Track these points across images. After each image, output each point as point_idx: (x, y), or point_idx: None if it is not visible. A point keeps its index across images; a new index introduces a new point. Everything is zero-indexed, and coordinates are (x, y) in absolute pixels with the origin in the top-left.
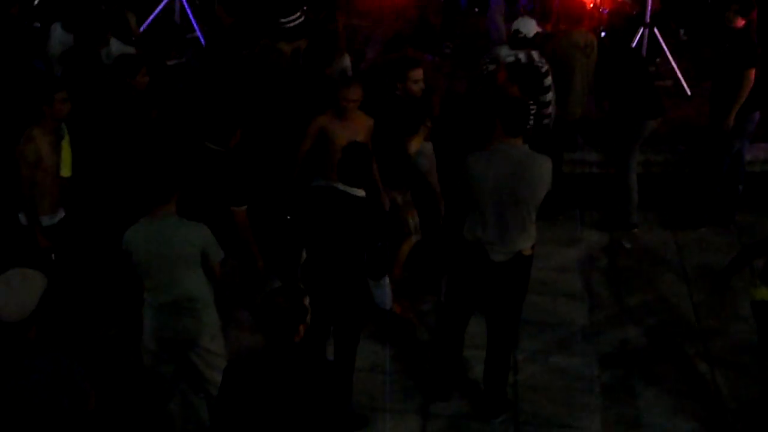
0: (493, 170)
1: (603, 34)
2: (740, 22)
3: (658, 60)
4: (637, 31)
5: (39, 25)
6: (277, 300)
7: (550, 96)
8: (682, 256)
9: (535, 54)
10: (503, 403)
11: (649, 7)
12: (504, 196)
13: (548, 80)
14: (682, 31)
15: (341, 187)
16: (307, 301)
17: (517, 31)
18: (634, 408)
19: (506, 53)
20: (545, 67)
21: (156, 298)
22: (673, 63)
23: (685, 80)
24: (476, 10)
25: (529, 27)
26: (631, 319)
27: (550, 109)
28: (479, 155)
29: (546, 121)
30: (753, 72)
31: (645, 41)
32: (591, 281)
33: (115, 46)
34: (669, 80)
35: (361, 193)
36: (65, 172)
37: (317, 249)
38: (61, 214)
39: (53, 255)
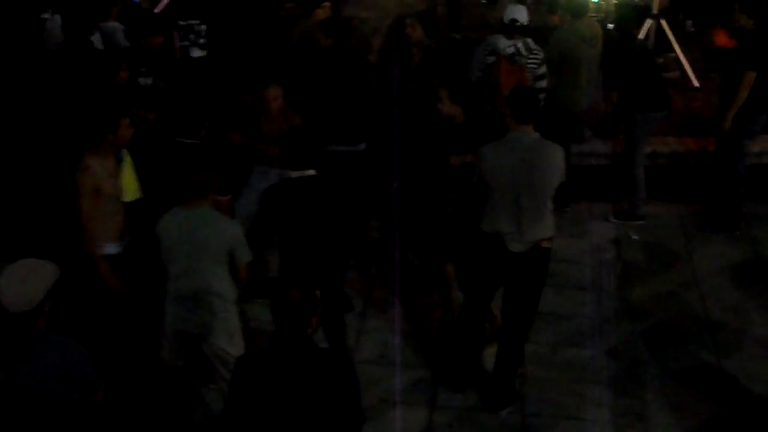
0: (507, 159)
1: (609, 25)
2: (747, 24)
3: (673, 54)
4: (644, 23)
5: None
6: (290, 292)
7: (543, 83)
8: (690, 248)
9: (530, 41)
10: (511, 394)
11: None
12: (519, 185)
13: (542, 69)
14: (689, 23)
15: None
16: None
17: (513, 20)
18: (641, 400)
19: (504, 44)
20: (541, 55)
21: (177, 286)
22: (681, 55)
23: (692, 72)
24: (483, 0)
25: (523, 14)
26: (638, 312)
27: (541, 96)
28: (493, 145)
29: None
30: (752, 76)
31: (652, 33)
32: (599, 273)
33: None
34: (676, 72)
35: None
36: (127, 197)
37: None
38: (126, 241)
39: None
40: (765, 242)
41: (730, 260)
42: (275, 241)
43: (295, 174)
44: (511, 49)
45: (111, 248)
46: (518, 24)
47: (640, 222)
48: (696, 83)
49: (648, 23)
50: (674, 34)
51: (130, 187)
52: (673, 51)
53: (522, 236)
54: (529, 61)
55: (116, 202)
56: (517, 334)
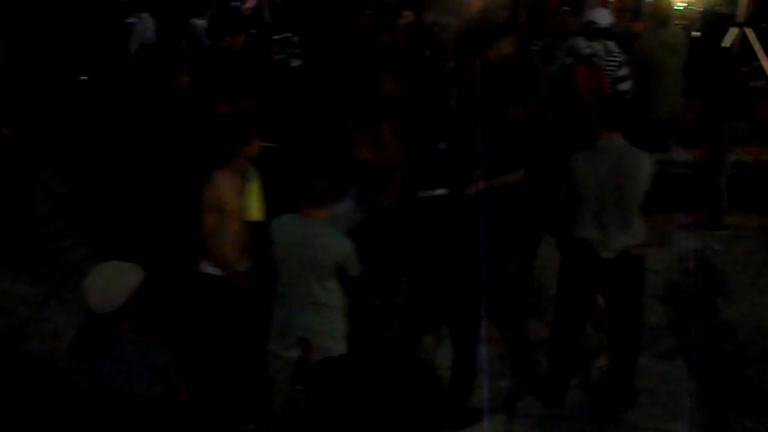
0: (596, 167)
1: (695, 33)
2: None
3: (758, 63)
4: (729, 31)
5: None
6: (371, 298)
7: (624, 86)
8: None
9: (611, 44)
10: (628, 401)
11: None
12: (607, 192)
13: (623, 71)
14: None
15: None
16: (400, 299)
17: (591, 22)
18: (727, 415)
19: (583, 45)
20: (621, 58)
21: (284, 292)
22: (766, 63)
23: None
24: (565, 8)
25: (603, 17)
26: (721, 324)
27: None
28: (581, 154)
29: None
30: None
31: (738, 41)
32: (682, 283)
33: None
34: (761, 80)
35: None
36: (253, 216)
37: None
38: (248, 263)
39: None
40: None
41: None
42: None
43: (424, 194)
44: (589, 50)
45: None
46: (597, 26)
47: (724, 232)
48: None
49: (733, 31)
50: (760, 42)
51: (255, 206)
52: (759, 60)
53: (610, 244)
54: (608, 63)
55: (240, 220)
56: (625, 346)
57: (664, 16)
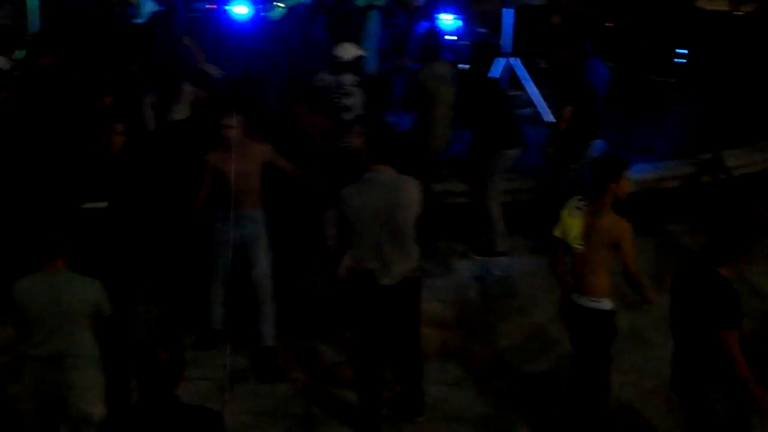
0: (367, 198)
1: (462, 65)
2: (567, 57)
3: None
4: (495, 62)
5: None
6: (158, 351)
7: (348, 116)
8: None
9: (348, 77)
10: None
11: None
12: (382, 222)
13: (351, 100)
14: (541, 60)
15: None
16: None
17: (335, 57)
18: None
19: (326, 78)
20: (353, 90)
21: (39, 350)
22: (533, 91)
23: (547, 107)
24: None
25: (346, 51)
26: (507, 345)
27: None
28: (352, 187)
29: None
30: (568, 110)
31: (506, 71)
32: (464, 310)
33: None
34: (530, 108)
35: None
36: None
37: None
38: None
39: None
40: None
41: None
42: None
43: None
44: (320, 83)
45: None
46: (340, 60)
47: (502, 257)
48: (550, 118)
49: (500, 61)
50: (527, 71)
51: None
52: (526, 88)
53: (391, 271)
54: (335, 94)
55: None
56: (413, 369)
57: (433, 50)
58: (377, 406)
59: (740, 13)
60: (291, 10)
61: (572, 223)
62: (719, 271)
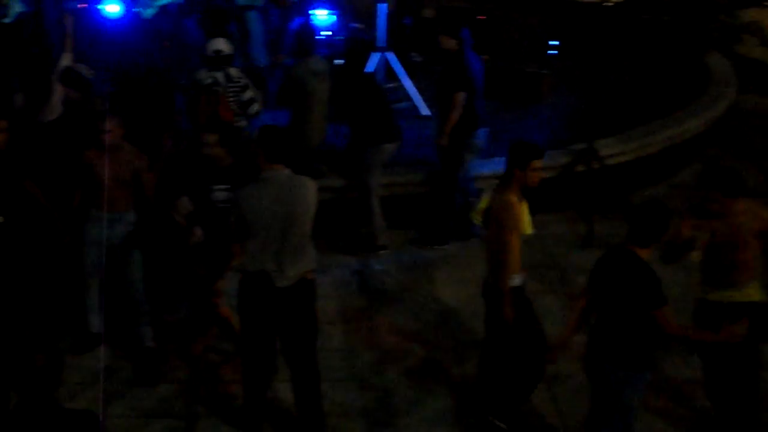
0: (264, 198)
1: (337, 61)
2: (451, 45)
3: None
4: (370, 57)
5: None
6: (36, 357)
7: (254, 108)
8: (432, 274)
9: (233, 71)
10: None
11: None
12: (279, 221)
13: (249, 93)
14: (415, 54)
15: None
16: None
17: (216, 51)
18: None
19: (204, 76)
20: (243, 82)
21: None
22: (409, 85)
23: (423, 101)
24: None
25: (225, 45)
26: (389, 339)
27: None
28: (248, 187)
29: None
30: (461, 95)
31: (381, 66)
32: (346, 305)
33: None
34: (406, 102)
35: None
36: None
37: None
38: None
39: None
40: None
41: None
42: None
43: None
44: (210, 80)
45: (516, 280)
46: (221, 54)
47: (382, 251)
48: (426, 111)
49: (376, 56)
50: (402, 65)
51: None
52: (402, 82)
53: (287, 273)
54: (230, 88)
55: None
56: (309, 370)
57: (307, 45)
58: (262, 404)
59: (610, 4)
60: (163, 8)
61: (482, 203)
62: (639, 255)
